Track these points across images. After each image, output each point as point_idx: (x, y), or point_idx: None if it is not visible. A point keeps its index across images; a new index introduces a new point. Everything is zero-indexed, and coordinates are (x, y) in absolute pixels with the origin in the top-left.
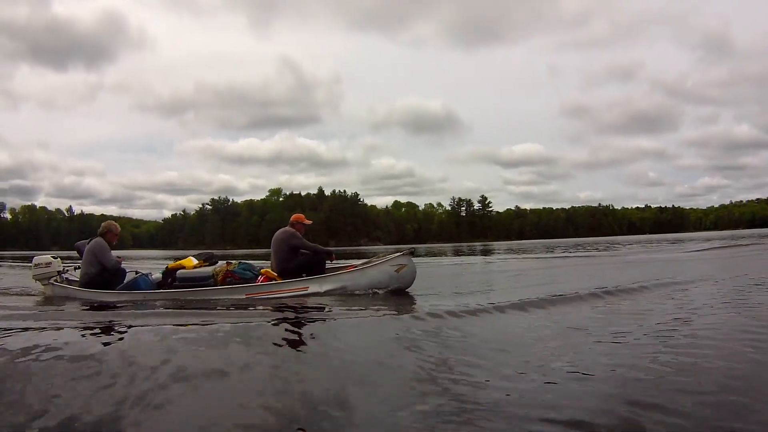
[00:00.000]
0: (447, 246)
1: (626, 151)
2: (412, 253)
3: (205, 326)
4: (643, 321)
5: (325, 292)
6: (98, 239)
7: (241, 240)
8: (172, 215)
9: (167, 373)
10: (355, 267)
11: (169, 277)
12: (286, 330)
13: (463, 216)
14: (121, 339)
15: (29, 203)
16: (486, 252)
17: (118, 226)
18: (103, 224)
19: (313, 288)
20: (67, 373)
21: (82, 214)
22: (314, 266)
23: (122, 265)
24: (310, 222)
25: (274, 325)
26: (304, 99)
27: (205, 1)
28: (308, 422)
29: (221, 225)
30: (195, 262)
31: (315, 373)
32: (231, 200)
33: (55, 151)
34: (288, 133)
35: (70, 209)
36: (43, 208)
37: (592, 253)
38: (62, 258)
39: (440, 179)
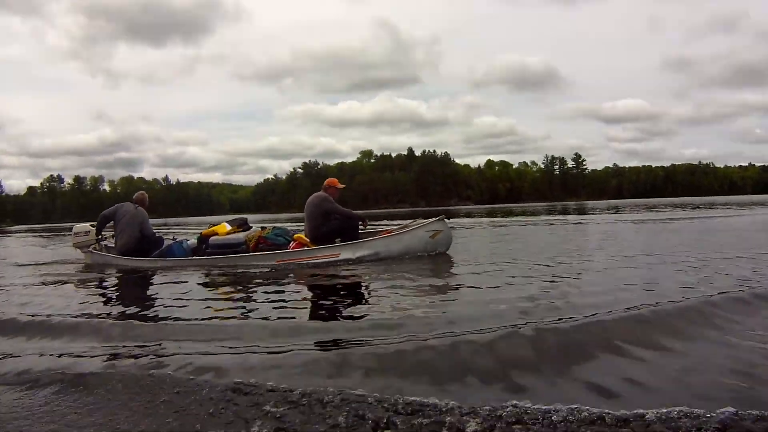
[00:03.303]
0: (539, 205)
1: (732, 106)
2: (447, 218)
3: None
4: None
5: (357, 258)
6: (141, 209)
7: None
8: (264, 180)
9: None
10: (390, 233)
11: (203, 243)
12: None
13: (556, 174)
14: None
15: (129, 175)
16: (575, 211)
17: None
18: (140, 194)
19: (345, 254)
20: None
21: (178, 183)
22: (347, 232)
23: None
24: (343, 186)
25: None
26: (403, 60)
27: None
28: None
29: (311, 188)
30: (228, 228)
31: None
32: (321, 163)
33: (157, 124)
34: (388, 95)
35: (166, 178)
36: (141, 179)
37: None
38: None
39: (542, 137)
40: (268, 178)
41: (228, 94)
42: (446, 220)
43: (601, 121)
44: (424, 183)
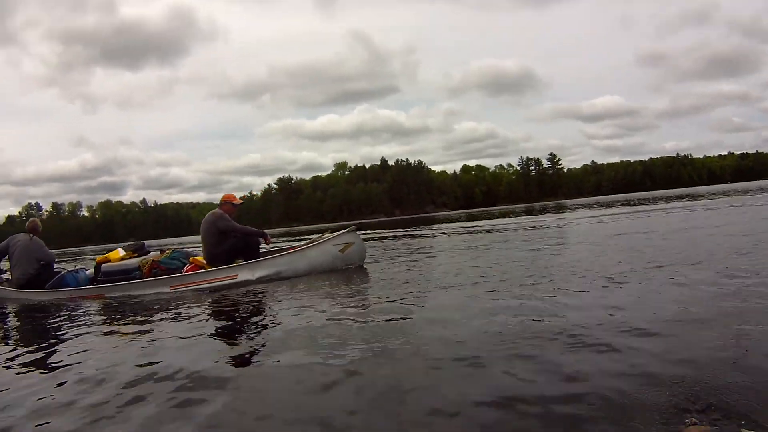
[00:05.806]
0: (516, 207)
1: (708, 97)
2: (358, 230)
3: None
4: None
5: (257, 279)
6: (36, 238)
7: (305, 217)
8: (240, 197)
9: None
10: (296, 248)
11: (98, 271)
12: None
13: (532, 176)
14: None
15: (108, 199)
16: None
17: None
18: (31, 222)
19: (244, 275)
20: None
21: (156, 205)
22: (247, 251)
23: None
24: (240, 201)
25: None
26: (380, 71)
27: None
28: None
29: (285, 203)
30: (122, 253)
31: None
32: (295, 178)
33: (138, 147)
34: (367, 106)
35: (144, 201)
36: (119, 203)
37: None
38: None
39: (523, 139)
40: (245, 196)
41: (207, 114)
42: (357, 231)
43: (580, 119)
44: (397, 192)
